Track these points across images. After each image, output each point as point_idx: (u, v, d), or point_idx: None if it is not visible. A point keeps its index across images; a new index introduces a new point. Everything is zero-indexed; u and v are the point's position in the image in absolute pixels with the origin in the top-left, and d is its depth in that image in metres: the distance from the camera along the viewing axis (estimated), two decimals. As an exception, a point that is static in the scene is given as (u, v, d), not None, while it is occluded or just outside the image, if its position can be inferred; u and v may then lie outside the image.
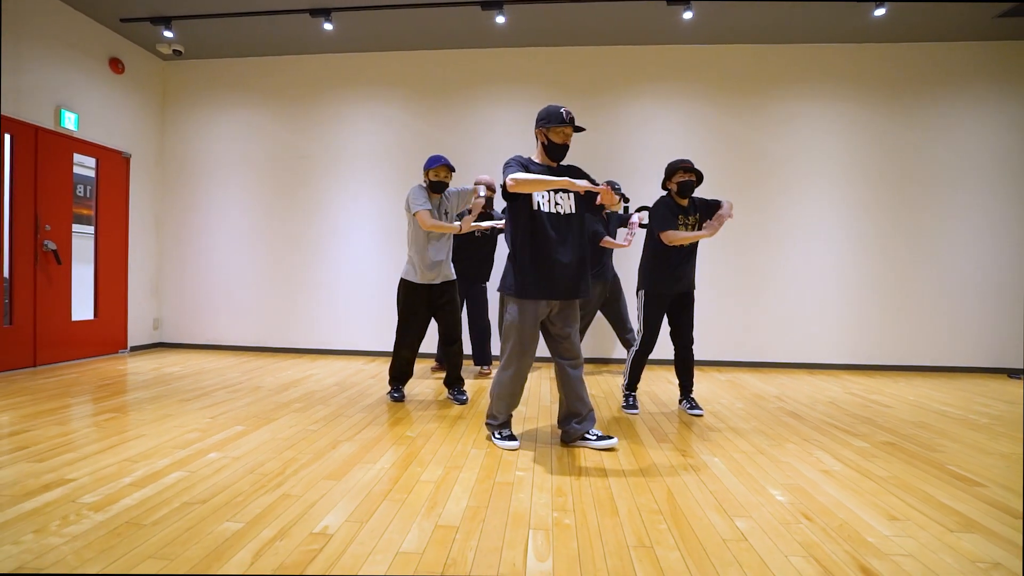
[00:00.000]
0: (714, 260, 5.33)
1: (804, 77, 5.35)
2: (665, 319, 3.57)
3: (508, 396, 2.73)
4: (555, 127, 2.60)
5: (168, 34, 5.02)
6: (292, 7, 4.83)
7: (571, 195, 2.66)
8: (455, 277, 3.68)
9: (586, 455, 2.59)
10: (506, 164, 2.59)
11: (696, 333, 5.25)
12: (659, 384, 4.42)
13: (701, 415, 3.40)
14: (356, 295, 5.73)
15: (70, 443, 2.61)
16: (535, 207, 2.60)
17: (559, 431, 2.86)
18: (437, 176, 3.44)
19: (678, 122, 5.46)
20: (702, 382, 4.53)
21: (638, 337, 3.43)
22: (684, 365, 3.49)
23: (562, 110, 2.59)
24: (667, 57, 5.46)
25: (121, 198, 5.50)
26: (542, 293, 2.61)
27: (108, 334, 5.39)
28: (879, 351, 5.28)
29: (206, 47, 5.70)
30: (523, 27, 5.17)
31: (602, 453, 2.62)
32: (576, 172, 2.73)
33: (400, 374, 3.75)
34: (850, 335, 5.31)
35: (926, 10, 4.72)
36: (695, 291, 3.55)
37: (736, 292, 5.35)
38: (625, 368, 3.55)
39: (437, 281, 3.58)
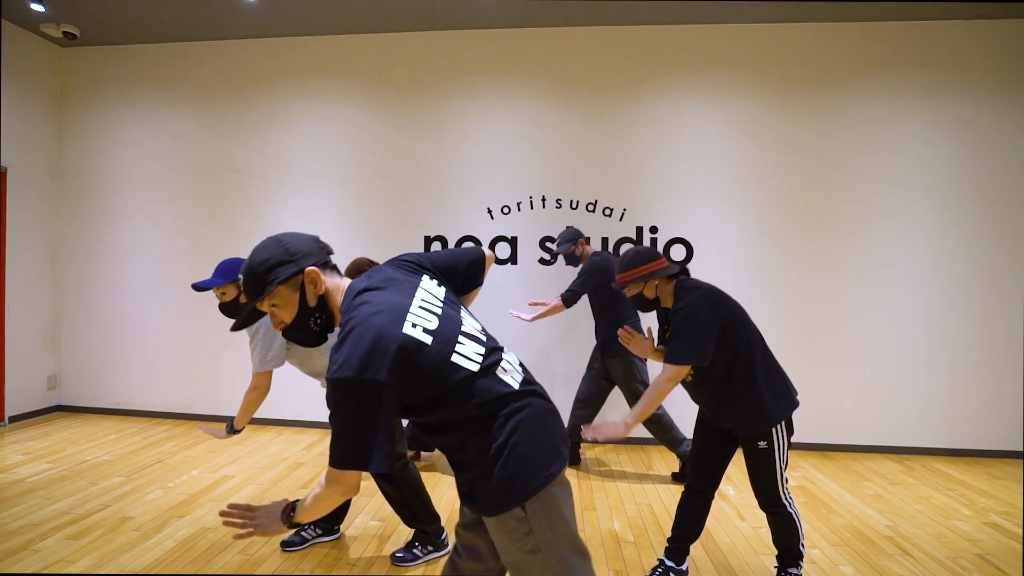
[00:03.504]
0: (764, 309, 4.00)
1: (891, 65, 4.01)
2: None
3: None
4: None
5: (37, 7, 3.71)
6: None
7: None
8: None
9: None
10: None
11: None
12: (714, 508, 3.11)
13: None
14: (302, 349, 4.43)
15: None
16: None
17: None
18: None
19: (720, 126, 4.13)
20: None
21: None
22: (771, 528, 2.18)
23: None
24: (706, 41, 4.14)
25: (-8, 225, 4.22)
26: None
27: (-27, 404, 4.11)
28: (987, 433, 3.95)
29: (110, 29, 4.39)
30: (518, 2, 3.86)
31: None
32: None
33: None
34: (947, 411, 3.98)
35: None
36: (758, 443, 2.04)
37: (796, 352, 4.00)
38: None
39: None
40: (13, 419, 4.36)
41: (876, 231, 4.02)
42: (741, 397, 2.03)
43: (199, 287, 2.23)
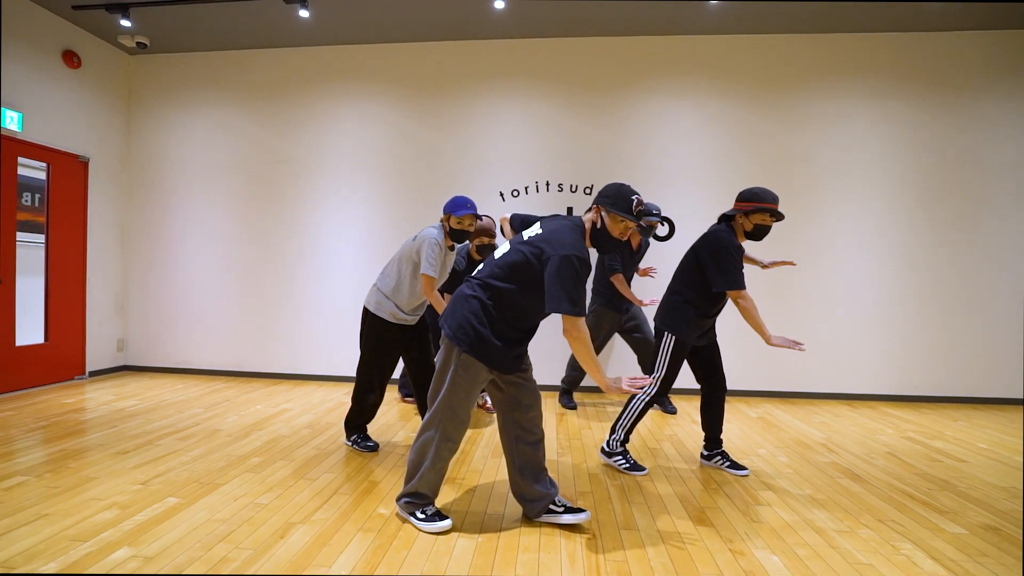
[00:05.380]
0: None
1: (844, 71, 4.74)
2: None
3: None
4: (617, 214, 2.08)
5: (125, 23, 4.45)
6: (264, -8, 4.27)
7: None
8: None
9: (603, 545, 2.01)
10: (566, 265, 1.95)
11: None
12: (684, 424, 3.83)
13: (746, 475, 2.82)
14: (339, 316, 5.15)
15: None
16: None
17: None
18: (461, 224, 2.91)
19: (699, 122, 4.86)
20: (730, 420, 3.93)
21: (655, 383, 2.85)
22: (718, 411, 2.92)
23: (634, 197, 2.09)
24: (687, 49, 4.87)
25: (78, 206, 4.94)
26: None
27: (63, 358, 4.82)
28: (926, 381, 4.67)
29: (174, 39, 5.13)
30: (525, 15, 4.59)
31: (628, 545, 2.04)
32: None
33: (363, 422, 3.23)
34: (892, 363, 4.70)
35: (986, -6, 4.13)
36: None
37: (764, 313, 4.74)
38: (626, 418, 2.91)
39: (413, 323, 3.14)
40: (92, 374, 5.09)
41: (830, 211, 4.74)
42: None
43: (463, 204, 2.86)
